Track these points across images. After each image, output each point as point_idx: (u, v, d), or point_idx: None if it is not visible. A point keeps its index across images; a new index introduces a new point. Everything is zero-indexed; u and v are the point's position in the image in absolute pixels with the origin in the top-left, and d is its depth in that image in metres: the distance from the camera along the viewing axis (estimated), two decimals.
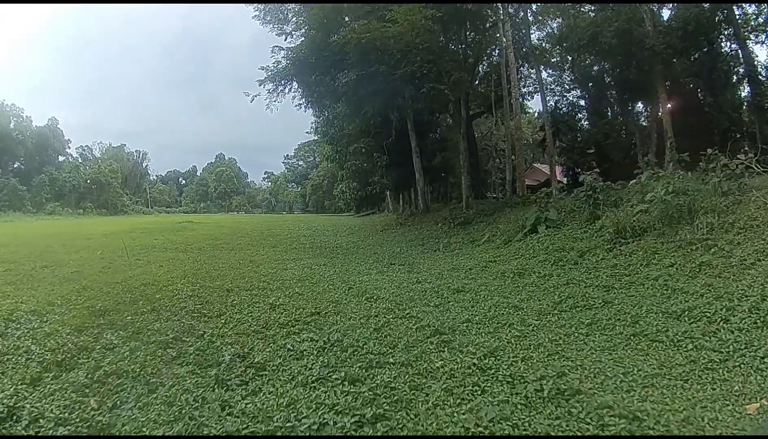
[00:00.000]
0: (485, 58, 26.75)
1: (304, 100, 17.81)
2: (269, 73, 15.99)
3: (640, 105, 25.74)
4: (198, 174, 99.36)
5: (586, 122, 30.78)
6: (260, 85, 16.16)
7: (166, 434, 2.74)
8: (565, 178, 31.46)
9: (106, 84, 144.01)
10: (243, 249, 11.85)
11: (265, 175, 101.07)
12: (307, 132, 58.93)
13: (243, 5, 18.06)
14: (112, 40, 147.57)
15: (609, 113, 28.81)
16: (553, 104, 32.06)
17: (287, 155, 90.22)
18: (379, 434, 2.59)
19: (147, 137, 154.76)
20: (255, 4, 17.65)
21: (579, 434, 2.49)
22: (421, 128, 22.06)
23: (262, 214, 68.74)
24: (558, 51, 27.14)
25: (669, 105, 19.61)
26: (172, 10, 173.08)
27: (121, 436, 2.76)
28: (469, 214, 13.84)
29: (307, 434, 2.60)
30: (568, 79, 30.99)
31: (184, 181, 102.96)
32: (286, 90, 16.58)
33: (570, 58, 27.49)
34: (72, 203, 61.71)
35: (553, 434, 2.50)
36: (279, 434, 2.65)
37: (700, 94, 20.72)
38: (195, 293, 5.80)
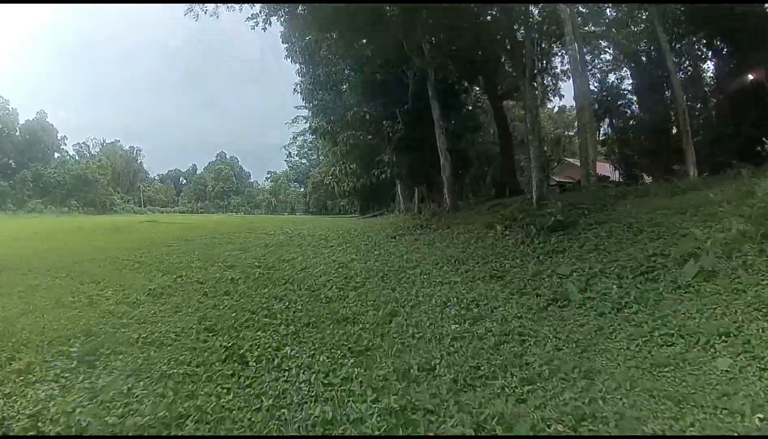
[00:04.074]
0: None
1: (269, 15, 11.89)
2: None
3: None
4: (198, 173, 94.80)
5: (635, 107, 25.03)
6: None
7: None
8: (617, 175, 25.93)
9: (108, 84, 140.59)
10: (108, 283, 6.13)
11: (268, 175, 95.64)
12: (296, 107, 51.26)
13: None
14: (114, 42, 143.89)
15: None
16: (599, 85, 27.00)
17: (289, 153, 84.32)
18: None
19: (148, 137, 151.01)
20: None
21: None
22: (445, 98, 16.12)
23: (259, 215, 62.86)
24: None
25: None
26: (173, 9, 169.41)
27: (121, 436, 2.65)
28: (555, 213, 7.51)
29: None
30: (615, 53, 26.52)
31: (184, 180, 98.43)
32: None
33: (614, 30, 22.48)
34: (57, 201, 57.42)
35: None
36: None
37: None
38: None
